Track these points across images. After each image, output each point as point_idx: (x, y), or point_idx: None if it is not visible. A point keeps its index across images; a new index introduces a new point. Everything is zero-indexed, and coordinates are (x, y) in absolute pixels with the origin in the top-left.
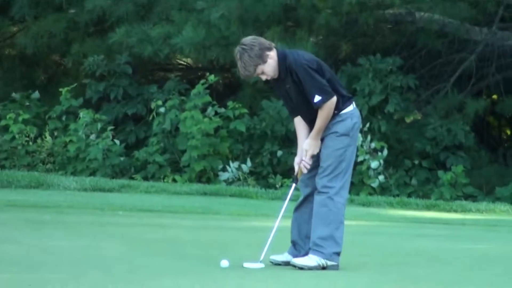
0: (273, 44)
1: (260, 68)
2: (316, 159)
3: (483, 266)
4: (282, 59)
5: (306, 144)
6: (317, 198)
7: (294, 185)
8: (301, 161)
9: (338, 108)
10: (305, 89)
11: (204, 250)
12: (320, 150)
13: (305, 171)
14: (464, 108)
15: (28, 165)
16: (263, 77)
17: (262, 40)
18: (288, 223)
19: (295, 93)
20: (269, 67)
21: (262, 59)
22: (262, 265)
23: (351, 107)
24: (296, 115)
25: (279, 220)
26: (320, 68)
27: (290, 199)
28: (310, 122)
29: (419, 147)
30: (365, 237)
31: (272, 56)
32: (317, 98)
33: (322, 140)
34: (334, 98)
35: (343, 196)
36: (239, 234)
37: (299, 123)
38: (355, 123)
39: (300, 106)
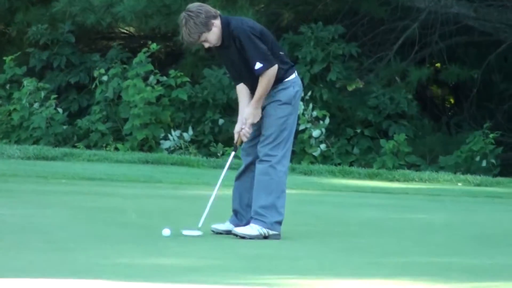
0: (218, 12)
1: (204, 36)
2: (257, 127)
3: (426, 236)
4: (225, 26)
5: (247, 113)
6: (259, 166)
7: (233, 153)
8: (241, 129)
9: (281, 76)
10: (247, 55)
11: (146, 218)
12: (261, 119)
13: (245, 139)
14: (407, 76)
15: None
16: (206, 45)
17: (208, 7)
18: (228, 191)
19: (238, 60)
20: (213, 35)
21: (207, 27)
22: (200, 233)
23: (293, 75)
24: (239, 82)
25: (217, 187)
26: (263, 36)
27: (230, 168)
28: (253, 90)
29: (361, 115)
30: (306, 206)
31: (217, 25)
32: (258, 65)
33: (263, 108)
34: (275, 66)
35: (284, 165)
36: (181, 202)
37: (241, 90)
38: (297, 91)
39: (243, 73)
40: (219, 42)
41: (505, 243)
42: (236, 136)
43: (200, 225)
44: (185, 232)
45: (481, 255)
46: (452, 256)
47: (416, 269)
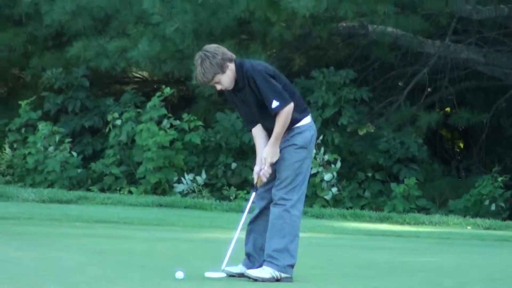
0: (234, 56)
1: (218, 77)
2: (273, 171)
3: (437, 279)
4: (239, 68)
5: (265, 152)
6: (273, 210)
7: (254, 193)
8: (261, 169)
9: (296, 118)
10: (263, 95)
11: (159, 261)
12: (276, 163)
13: (264, 179)
14: (417, 120)
15: None
16: (218, 87)
17: (225, 50)
18: (241, 235)
19: (253, 101)
20: (227, 78)
21: (222, 69)
22: (224, 274)
23: (309, 119)
24: (254, 126)
25: (239, 228)
26: (276, 76)
27: (250, 212)
28: (268, 131)
29: (372, 159)
30: (318, 249)
31: (231, 68)
32: (274, 104)
33: (280, 151)
34: (291, 104)
35: (299, 209)
36: (194, 245)
37: (257, 133)
38: (313, 135)
39: (258, 114)
40: (231, 86)
41: None
42: (256, 177)
43: (223, 267)
44: (208, 274)
45: None
46: None
47: None
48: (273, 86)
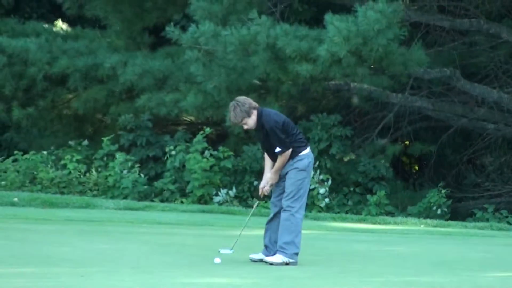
0: (257, 105)
1: (245, 120)
2: (282, 187)
3: (399, 262)
4: (259, 116)
5: (268, 177)
6: (283, 214)
7: (257, 202)
8: (264, 186)
9: (299, 151)
10: (271, 141)
11: (203, 251)
12: (286, 181)
13: (266, 193)
14: (385, 150)
15: (80, 192)
16: (245, 127)
17: (251, 100)
18: (257, 231)
19: (265, 140)
20: (251, 121)
21: (248, 114)
22: (232, 251)
23: (307, 150)
24: (266, 152)
25: (246, 222)
26: (285, 125)
27: (258, 214)
28: (273, 160)
29: (353, 178)
30: (315, 242)
31: (255, 114)
32: (278, 149)
33: (286, 173)
34: (290, 150)
35: (301, 213)
36: (227, 239)
37: (267, 158)
38: (310, 162)
39: (268, 148)
40: (255, 126)
41: (455, 267)
42: (260, 191)
43: (232, 247)
44: (221, 251)
45: (439, 275)
46: (418, 276)
47: (394, 285)
48: (278, 137)
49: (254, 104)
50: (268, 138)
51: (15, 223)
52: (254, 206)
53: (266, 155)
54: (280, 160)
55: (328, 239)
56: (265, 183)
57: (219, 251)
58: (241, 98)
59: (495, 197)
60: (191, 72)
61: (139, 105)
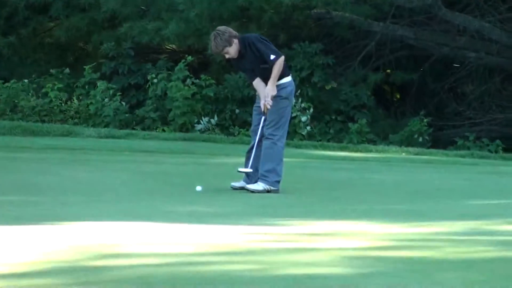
0: (238, 34)
1: (226, 49)
2: (262, 115)
3: (380, 190)
4: (242, 40)
5: (267, 89)
6: (265, 142)
7: (263, 117)
8: (265, 100)
9: (280, 78)
10: (262, 53)
11: (185, 178)
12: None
13: (269, 107)
14: (367, 79)
15: (61, 120)
16: (227, 56)
17: (231, 29)
18: (238, 159)
19: (255, 61)
20: (232, 50)
21: (229, 43)
22: (251, 170)
23: (289, 78)
24: (255, 78)
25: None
26: (268, 41)
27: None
28: (265, 80)
29: (335, 106)
30: (297, 170)
31: (236, 42)
32: (272, 57)
33: None
34: (283, 57)
35: (283, 142)
36: (209, 167)
37: (258, 82)
38: (292, 90)
39: (258, 70)
40: (236, 55)
41: (436, 195)
42: (263, 107)
43: (249, 165)
44: (241, 170)
45: (420, 203)
46: (399, 204)
47: (374, 213)
48: (268, 46)
49: (235, 33)
50: (257, 56)
51: None
52: (261, 122)
53: (256, 81)
54: (275, 68)
55: (309, 167)
56: (265, 97)
57: (238, 170)
58: (222, 27)
59: (476, 125)
60: (173, 0)
61: (121, 33)
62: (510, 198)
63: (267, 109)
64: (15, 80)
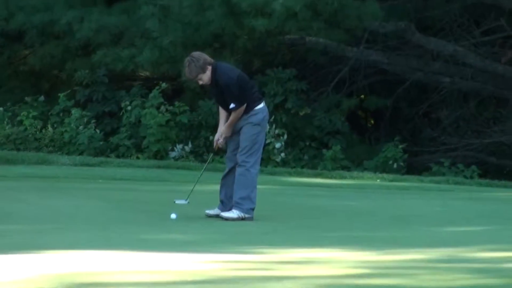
0: (213, 61)
1: (200, 76)
2: (236, 142)
3: (355, 217)
4: (214, 72)
5: (222, 131)
6: (238, 169)
7: (211, 154)
8: (218, 139)
9: (253, 105)
10: (225, 96)
11: (159, 206)
12: (240, 135)
13: (220, 146)
14: (341, 104)
15: (36, 148)
16: (200, 82)
17: (206, 56)
18: (213, 187)
19: (220, 95)
20: (206, 77)
21: (203, 70)
22: (187, 202)
23: (262, 105)
24: (220, 106)
25: (200, 174)
26: (239, 79)
27: (215, 170)
28: (228, 113)
29: (309, 132)
30: (272, 197)
31: (210, 70)
32: (232, 105)
33: (241, 128)
34: (244, 106)
35: (256, 168)
36: (183, 195)
37: (221, 112)
38: (264, 116)
39: (222, 104)
40: (209, 82)
41: (411, 221)
42: (214, 143)
43: (187, 198)
44: (177, 201)
45: (395, 230)
46: (374, 231)
47: (349, 240)
48: (232, 93)
49: (209, 59)
50: (223, 94)
51: None
52: (208, 159)
53: (220, 109)
54: (233, 115)
55: (284, 194)
56: (219, 136)
57: (174, 202)
58: (196, 53)
59: (451, 151)
60: (147, 27)
61: (95, 61)
62: (486, 224)
63: (218, 148)
64: None
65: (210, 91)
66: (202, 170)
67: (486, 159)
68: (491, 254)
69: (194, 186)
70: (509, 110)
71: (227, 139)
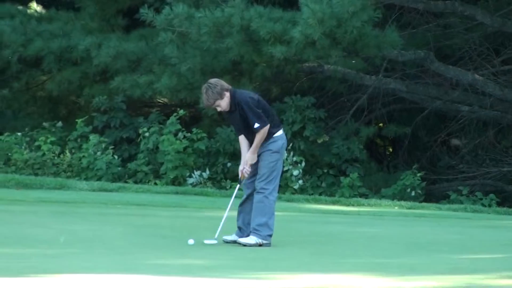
0: (230, 87)
1: (218, 102)
2: (255, 168)
3: (372, 244)
4: (233, 97)
5: (247, 157)
6: (256, 196)
7: (238, 186)
8: (243, 168)
9: (272, 132)
10: (248, 118)
11: (177, 232)
12: (258, 163)
13: (246, 175)
14: (359, 132)
15: (54, 173)
16: (218, 109)
17: (223, 82)
18: (234, 213)
19: (241, 121)
20: (224, 103)
21: (221, 96)
22: (215, 241)
23: (281, 132)
24: (241, 134)
25: (228, 210)
26: (259, 103)
27: (236, 196)
28: (250, 141)
29: (327, 160)
30: (289, 224)
31: (228, 95)
32: (256, 125)
33: (259, 155)
34: (268, 126)
35: (274, 195)
36: (201, 221)
37: (242, 140)
38: (283, 143)
39: (244, 130)
40: (228, 108)
41: (428, 248)
42: (240, 174)
43: (216, 236)
44: (206, 241)
45: (412, 257)
46: (391, 258)
47: (366, 266)
48: (255, 112)
49: (227, 85)
50: (244, 117)
51: None
52: (236, 189)
53: (241, 138)
54: (258, 136)
55: (301, 220)
56: (244, 165)
57: (204, 242)
58: (213, 80)
59: (469, 179)
60: (165, 54)
61: (113, 87)
62: (504, 252)
63: (244, 177)
64: (8, 133)
65: (228, 118)
66: (230, 202)
67: (504, 188)
68: (508, 282)
69: (223, 222)
70: None
71: (252, 166)
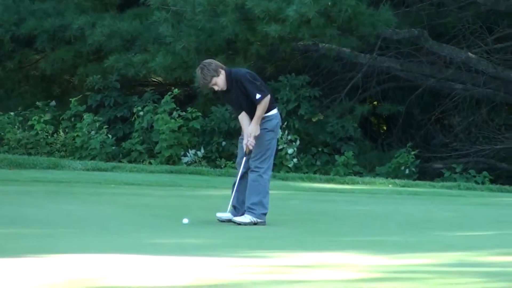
0: (224, 66)
1: (214, 80)
2: (245, 156)
3: (367, 222)
4: (229, 75)
5: (250, 129)
6: (250, 175)
7: (245, 158)
8: (247, 141)
9: (268, 108)
10: (248, 91)
11: (171, 211)
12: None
13: (251, 147)
14: (353, 111)
15: (47, 152)
16: (216, 88)
17: (217, 61)
18: (224, 191)
19: (241, 97)
20: (221, 80)
21: (217, 73)
22: (229, 214)
23: (275, 111)
24: (240, 112)
25: (236, 184)
26: (255, 77)
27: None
28: (251, 115)
29: (321, 138)
30: (283, 202)
31: (223, 73)
32: (258, 96)
33: None
34: (269, 95)
35: (268, 174)
36: (195, 200)
37: (243, 117)
38: (278, 122)
39: (244, 105)
40: (225, 87)
41: (422, 226)
42: (245, 147)
43: (228, 209)
44: (218, 214)
45: (406, 234)
46: (386, 236)
47: (361, 244)
48: (255, 84)
49: (221, 65)
50: (244, 92)
51: None
52: (243, 162)
53: (241, 116)
54: (260, 108)
55: (296, 199)
56: (248, 137)
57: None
58: (207, 60)
59: (463, 157)
60: (159, 32)
61: (107, 66)
62: (496, 229)
63: (249, 149)
64: (1, 113)
65: (224, 99)
66: (238, 175)
67: (498, 165)
68: (501, 259)
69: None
70: None
71: (256, 138)
